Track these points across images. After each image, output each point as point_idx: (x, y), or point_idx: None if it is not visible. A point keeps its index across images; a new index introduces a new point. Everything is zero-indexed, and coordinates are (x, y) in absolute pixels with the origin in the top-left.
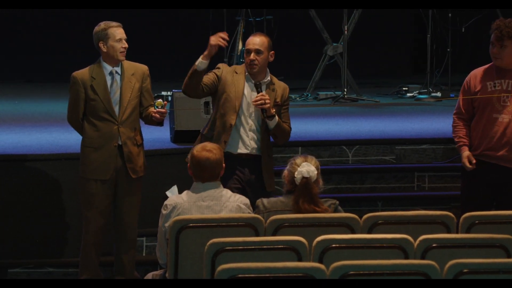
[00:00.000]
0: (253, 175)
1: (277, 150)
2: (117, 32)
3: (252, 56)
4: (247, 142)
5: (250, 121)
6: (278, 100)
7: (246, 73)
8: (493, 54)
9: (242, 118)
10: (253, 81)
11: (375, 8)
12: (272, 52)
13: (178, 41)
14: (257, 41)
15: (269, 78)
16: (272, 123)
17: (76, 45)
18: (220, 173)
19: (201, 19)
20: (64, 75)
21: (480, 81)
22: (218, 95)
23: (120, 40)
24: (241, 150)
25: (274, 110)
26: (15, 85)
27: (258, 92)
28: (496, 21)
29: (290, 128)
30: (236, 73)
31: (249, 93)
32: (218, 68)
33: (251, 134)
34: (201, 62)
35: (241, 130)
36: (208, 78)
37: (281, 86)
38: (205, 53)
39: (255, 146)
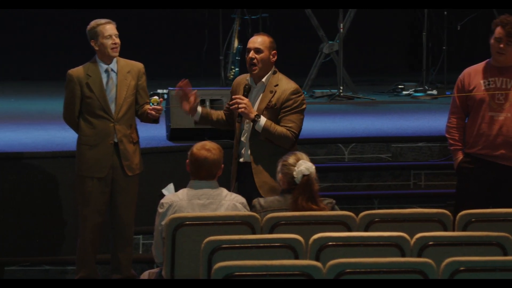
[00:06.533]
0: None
1: None
2: (106, 28)
3: (252, 54)
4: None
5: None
6: (273, 103)
7: (249, 77)
8: (498, 49)
9: (246, 125)
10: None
11: (371, 8)
12: (274, 51)
13: (174, 39)
14: (258, 40)
15: (268, 79)
16: (257, 127)
17: (73, 42)
18: (217, 173)
19: (197, 16)
20: (61, 72)
21: (474, 79)
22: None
23: (109, 36)
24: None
25: (255, 113)
26: (12, 82)
27: (244, 95)
28: (502, 17)
29: (292, 132)
30: (247, 80)
31: (250, 98)
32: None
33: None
34: (195, 116)
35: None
36: (227, 108)
37: (282, 88)
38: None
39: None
